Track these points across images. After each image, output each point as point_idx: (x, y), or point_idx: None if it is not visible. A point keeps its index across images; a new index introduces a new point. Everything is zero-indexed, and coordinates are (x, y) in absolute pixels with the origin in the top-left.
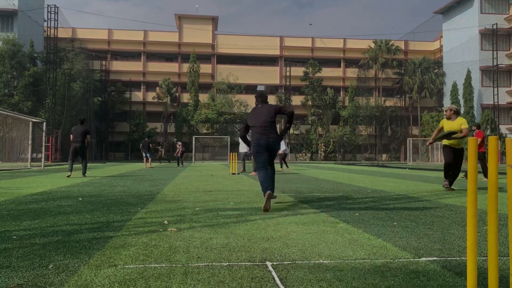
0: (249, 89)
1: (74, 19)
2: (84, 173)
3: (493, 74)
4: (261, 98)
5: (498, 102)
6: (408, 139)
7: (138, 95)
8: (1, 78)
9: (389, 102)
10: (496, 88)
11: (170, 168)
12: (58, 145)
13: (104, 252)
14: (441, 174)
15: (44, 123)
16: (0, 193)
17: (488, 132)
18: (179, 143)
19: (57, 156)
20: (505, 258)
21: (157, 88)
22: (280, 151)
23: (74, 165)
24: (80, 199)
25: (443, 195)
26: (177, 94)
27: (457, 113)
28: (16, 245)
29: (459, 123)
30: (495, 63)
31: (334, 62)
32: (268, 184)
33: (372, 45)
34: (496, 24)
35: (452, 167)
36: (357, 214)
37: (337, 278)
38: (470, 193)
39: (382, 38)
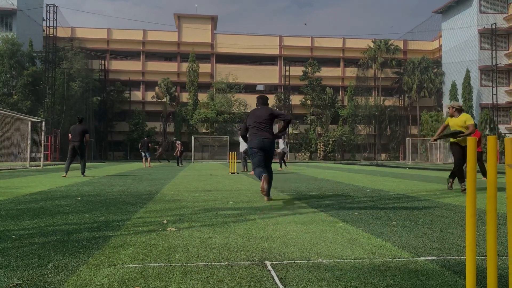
0: (248, 88)
1: (73, 18)
2: (83, 173)
3: (492, 73)
4: (262, 100)
5: (497, 101)
6: (407, 138)
7: (137, 95)
8: (0, 78)
9: (388, 102)
10: (495, 88)
11: (169, 167)
12: (57, 144)
13: (103, 252)
14: (441, 173)
15: (43, 123)
16: None
17: (487, 132)
18: (178, 142)
19: (56, 155)
20: (504, 257)
21: (156, 87)
22: (279, 150)
23: (72, 165)
24: (79, 198)
25: (442, 195)
26: (176, 93)
27: (460, 110)
28: (15, 244)
29: (463, 120)
30: (494, 63)
31: (333, 62)
32: (262, 172)
33: (371, 45)
34: (495, 23)
35: (462, 165)
36: (356, 213)
37: (336, 277)
38: (469, 193)
39: (381, 38)
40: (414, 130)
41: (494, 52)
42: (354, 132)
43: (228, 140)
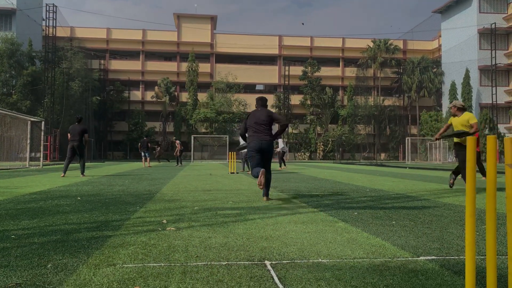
0: (248, 88)
1: (72, 18)
2: (82, 172)
3: (491, 73)
4: (261, 101)
5: (496, 101)
6: (406, 138)
7: (136, 94)
8: None
9: (388, 102)
10: (494, 88)
11: (169, 167)
12: (57, 144)
13: (103, 251)
14: (440, 173)
15: (43, 122)
16: None
17: (486, 132)
18: (178, 141)
19: (55, 155)
20: (503, 257)
21: (156, 87)
22: (279, 149)
23: (71, 165)
24: (78, 198)
25: (441, 194)
26: (176, 93)
27: (462, 109)
28: (15, 244)
29: (466, 119)
30: (493, 63)
31: (332, 62)
32: (259, 168)
33: (371, 45)
34: (495, 23)
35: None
36: (355, 213)
37: (336, 277)
38: (469, 192)
39: (380, 38)
40: (414, 130)
41: (493, 51)
42: (354, 132)
43: (227, 140)
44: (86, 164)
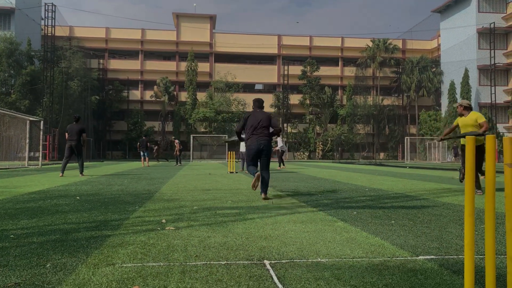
0: (247, 87)
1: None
2: (81, 172)
3: (490, 73)
4: (258, 103)
5: (495, 101)
6: (405, 138)
7: (135, 94)
8: None
9: (387, 101)
10: (493, 87)
11: (168, 167)
12: (56, 143)
13: (102, 251)
14: (440, 173)
15: (42, 122)
16: None
17: None
18: (177, 141)
19: (54, 154)
20: (502, 256)
21: (155, 86)
22: (278, 148)
23: (70, 164)
24: (77, 198)
25: (440, 194)
26: (175, 92)
27: (469, 108)
28: (14, 244)
29: (474, 119)
30: (492, 62)
31: (332, 61)
32: (256, 170)
33: (370, 44)
34: (494, 23)
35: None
36: (354, 212)
37: (335, 276)
38: (468, 192)
39: (380, 37)
40: (413, 130)
41: (492, 51)
42: (353, 131)
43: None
44: (85, 163)
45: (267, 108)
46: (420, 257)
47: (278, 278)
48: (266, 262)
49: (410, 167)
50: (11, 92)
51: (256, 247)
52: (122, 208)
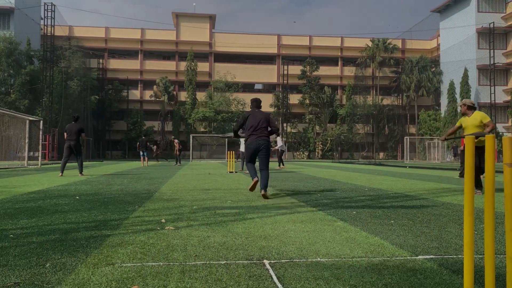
0: (247, 87)
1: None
2: (81, 172)
3: (490, 72)
4: (256, 103)
5: (495, 100)
6: (405, 137)
7: (135, 94)
8: None
9: (386, 101)
10: (493, 87)
11: (167, 166)
12: (55, 143)
13: (102, 251)
14: (439, 173)
15: (41, 122)
16: None
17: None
18: (176, 140)
19: (54, 154)
20: (501, 256)
21: (155, 86)
22: (277, 147)
23: (70, 164)
24: (77, 197)
25: (440, 194)
26: (175, 92)
27: (472, 107)
28: (13, 243)
29: (478, 119)
30: (492, 62)
31: (331, 61)
32: (255, 175)
33: (370, 44)
34: (493, 22)
35: (477, 167)
36: (354, 212)
37: (335, 276)
38: (467, 192)
39: (379, 37)
40: (412, 129)
41: (492, 51)
42: (352, 131)
43: (226, 139)
44: (84, 163)
45: (267, 108)
46: (420, 256)
47: (278, 278)
48: (266, 261)
49: (409, 167)
50: (10, 92)
51: (255, 246)
52: (122, 208)
